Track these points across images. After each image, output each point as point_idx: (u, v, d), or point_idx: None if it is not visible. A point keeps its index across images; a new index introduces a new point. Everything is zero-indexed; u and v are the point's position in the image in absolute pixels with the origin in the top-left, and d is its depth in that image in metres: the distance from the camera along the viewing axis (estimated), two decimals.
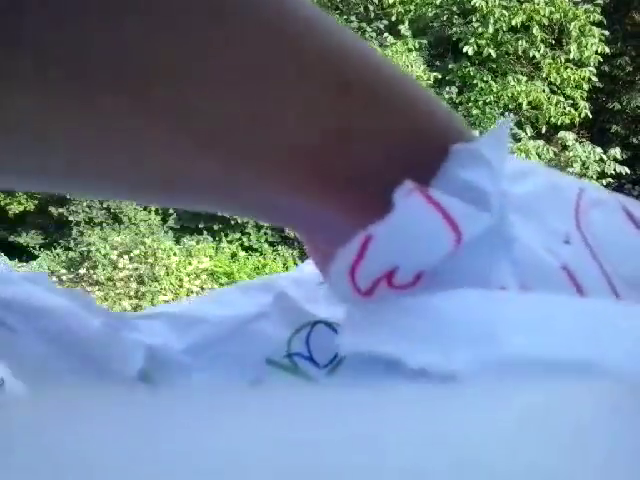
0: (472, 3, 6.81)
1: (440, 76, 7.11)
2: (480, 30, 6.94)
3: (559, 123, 6.98)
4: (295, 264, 6.47)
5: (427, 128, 0.20)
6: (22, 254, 7.03)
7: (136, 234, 6.71)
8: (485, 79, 7.12)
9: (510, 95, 6.99)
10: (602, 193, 0.23)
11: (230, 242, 7.06)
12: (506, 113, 6.90)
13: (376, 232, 0.18)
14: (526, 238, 0.20)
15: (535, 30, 6.92)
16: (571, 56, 6.89)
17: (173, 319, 0.26)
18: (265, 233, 7.20)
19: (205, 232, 7.12)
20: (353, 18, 7.46)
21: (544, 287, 0.20)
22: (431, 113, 0.21)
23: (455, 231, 0.18)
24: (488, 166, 0.19)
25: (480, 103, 7.06)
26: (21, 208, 6.95)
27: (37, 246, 7.11)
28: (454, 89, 7.25)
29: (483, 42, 6.93)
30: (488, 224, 0.19)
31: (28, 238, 7.13)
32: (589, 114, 6.99)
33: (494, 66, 7.26)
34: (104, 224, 7.07)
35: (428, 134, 0.20)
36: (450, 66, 7.32)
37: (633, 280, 0.21)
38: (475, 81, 7.12)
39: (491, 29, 6.85)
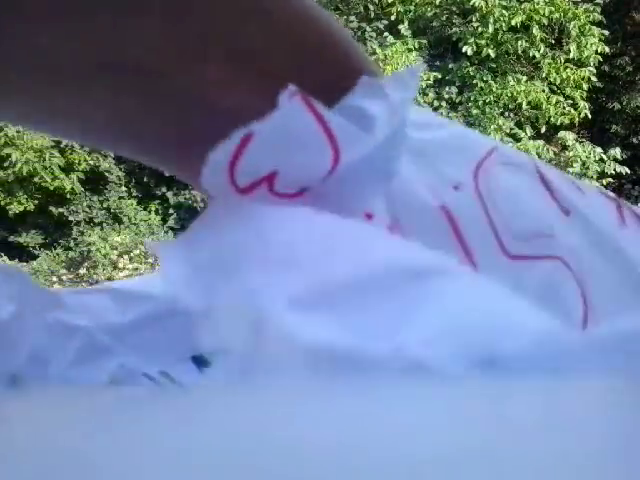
0: (472, 3, 6.81)
1: (440, 76, 7.11)
2: (480, 30, 6.94)
3: (559, 123, 6.98)
4: None
5: (340, 60, 0.23)
6: (22, 254, 7.03)
7: (136, 234, 6.71)
8: (485, 79, 7.12)
9: (510, 95, 6.98)
10: (519, 156, 0.24)
11: None
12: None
13: (256, 129, 0.18)
14: (409, 174, 0.21)
15: (535, 30, 6.92)
16: (571, 56, 6.89)
17: (120, 294, 0.26)
18: None
19: None
20: (353, 18, 7.46)
21: (416, 221, 0.21)
22: (347, 54, 0.23)
23: (334, 148, 0.19)
24: (384, 98, 0.20)
25: (480, 103, 7.06)
26: (21, 208, 6.95)
27: (37, 246, 7.11)
28: (454, 89, 7.25)
29: (483, 42, 6.93)
30: (369, 148, 0.20)
31: (28, 238, 7.13)
32: (589, 114, 6.99)
33: (494, 66, 7.26)
34: (104, 224, 7.07)
35: (340, 66, 0.22)
36: (450, 66, 7.32)
37: (524, 234, 0.22)
38: (475, 81, 7.12)
39: (491, 29, 6.85)
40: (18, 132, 6.43)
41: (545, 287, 0.22)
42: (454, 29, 7.20)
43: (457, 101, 7.27)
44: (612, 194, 0.26)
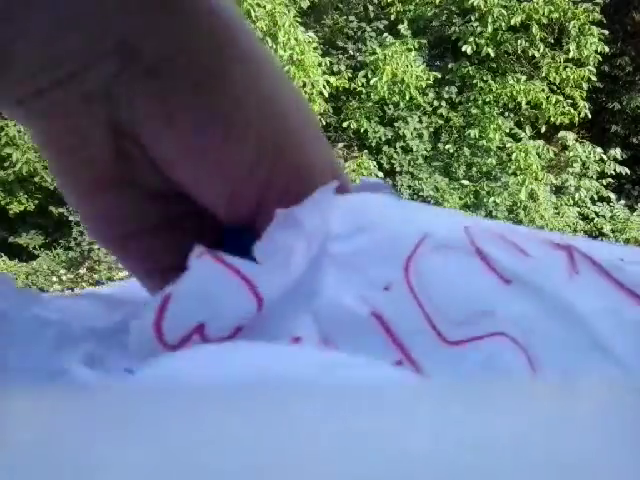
0: (471, 2, 6.81)
1: (440, 76, 7.11)
2: (479, 29, 6.94)
3: (558, 123, 6.98)
4: None
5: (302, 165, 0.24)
6: (22, 254, 7.03)
7: None
8: (484, 78, 7.12)
9: (509, 94, 6.99)
10: (452, 234, 0.24)
11: None
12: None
13: (173, 291, 0.20)
14: (336, 289, 0.22)
15: (534, 29, 6.92)
16: (570, 55, 6.89)
17: (100, 300, 0.27)
18: None
19: None
20: (353, 18, 7.46)
21: (348, 333, 0.21)
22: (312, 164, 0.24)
23: (254, 293, 0.21)
24: (300, 228, 0.21)
25: (479, 102, 7.06)
26: (21, 208, 6.95)
27: (37, 246, 7.11)
28: (453, 89, 7.25)
29: (482, 41, 6.93)
30: (290, 281, 0.21)
31: (28, 238, 7.13)
32: (589, 114, 6.99)
33: (493, 65, 7.26)
34: None
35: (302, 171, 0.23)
36: (450, 66, 7.32)
37: (461, 317, 0.22)
38: (475, 81, 7.12)
39: (490, 28, 6.85)
40: (19, 132, 6.43)
41: (490, 366, 0.22)
42: (453, 28, 7.21)
43: (457, 101, 7.27)
44: (565, 239, 0.26)
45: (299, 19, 6.81)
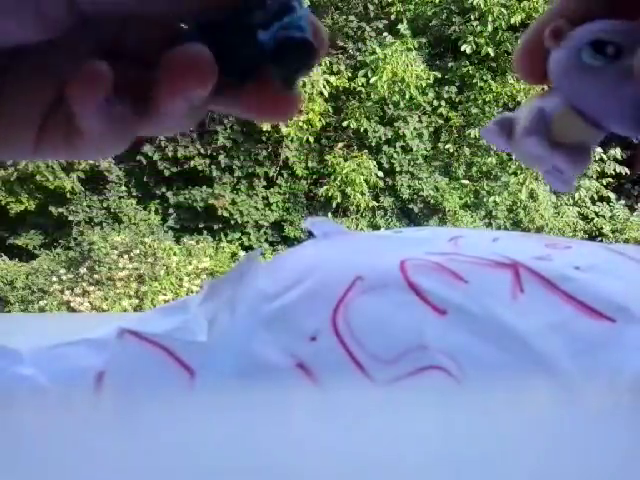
0: (470, 1, 6.81)
1: (440, 75, 7.11)
2: (479, 29, 6.94)
3: None
4: None
5: None
6: (22, 254, 7.03)
7: (136, 234, 6.71)
8: (484, 78, 7.12)
9: (509, 94, 6.98)
10: (385, 272, 0.24)
11: (230, 242, 7.06)
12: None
13: (106, 367, 0.20)
14: (261, 347, 0.22)
15: None
16: None
17: (94, 343, 0.28)
18: (265, 233, 7.20)
19: (205, 232, 7.12)
20: (352, 17, 7.46)
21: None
22: None
23: (183, 365, 0.21)
24: (221, 297, 0.22)
25: (479, 102, 7.06)
26: (21, 208, 6.94)
27: (37, 246, 7.11)
28: (453, 88, 7.25)
29: (482, 41, 6.93)
30: (215, 347, 0.22)
31: (28, 238, 7.13)
32: None
33: (493, 65, 7.26)
34: (104, 224, 7.07)
35: None
36: (449, 65, 7.32)
37: (392, 357, 0.22)
38: (474, 80, 7.12)
39: (490, 27, 6.85)
40: None
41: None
42: (453, 28, 7.20)
43: (457, 100, 7.27)
44: (511, 259, 0.26)
45: None
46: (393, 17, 7.31)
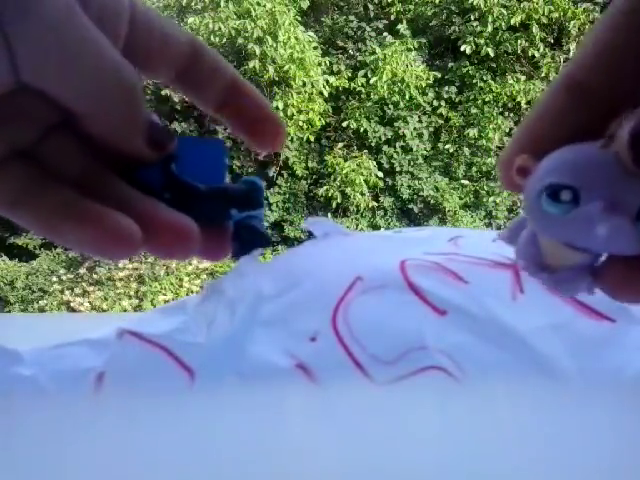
0: (470, 2, 6.81)
1: (439, 75, 7.11)
2: (479, 29, 6.94)
3: None
4: None
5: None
6: (22, 254, 7.03)
7: None
8: (484, 78, 7.12)
9: (509, 94, 6.98)
10: (385, 272, 0.24)
11: None
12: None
13: (107, 368, 0.20)
14: (261, 348, 0.22)
15: (534, 29, 6.92)
16: (570, 55, 6.88)
17: (94, 343, 0.28)
18: None
19: None
20: (352, 17, 7.46)
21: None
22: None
23: (183, 365, 0.21)
24: (221, 296, 0.22)
25: (479, 102, 7.06)
26: None
27: (37, 246, 7.11)
28: (453, 88, 7.25)
29: (482, 41, 6.93)
30: (215, 348, 0.22)
31: (28, 238, 7.13)
32: None
33: (493, 65, 7.26)
34: None
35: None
36: (449, 65, 7.32)
37: (392, 357, 0.22)
38: (474, 80, 7.12)
39: (490, 28, 6.85)
40: None
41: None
42: (453, 28, 7.21)
43: (456, 100, 7.27)
44: (511, 259, 0.25)
45: (299, 18, 6.81)
46: (393, 17, 7.32)
